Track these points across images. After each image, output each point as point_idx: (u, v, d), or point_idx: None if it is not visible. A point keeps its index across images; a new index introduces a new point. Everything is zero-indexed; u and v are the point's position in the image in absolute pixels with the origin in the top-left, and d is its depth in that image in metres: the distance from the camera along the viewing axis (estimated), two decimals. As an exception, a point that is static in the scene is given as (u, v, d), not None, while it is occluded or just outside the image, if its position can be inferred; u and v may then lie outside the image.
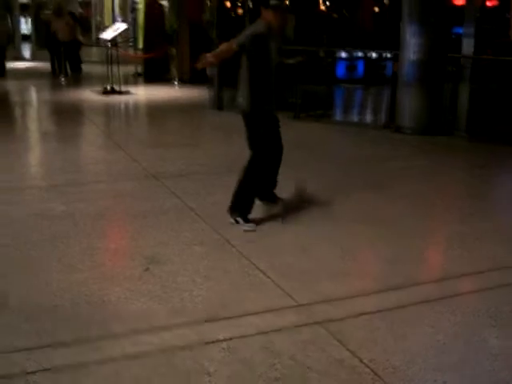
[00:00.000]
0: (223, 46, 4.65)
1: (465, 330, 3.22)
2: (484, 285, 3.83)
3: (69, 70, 16.16)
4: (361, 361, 2.89)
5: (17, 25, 24.82)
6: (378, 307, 3.44)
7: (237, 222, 4.70)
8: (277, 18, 4.59)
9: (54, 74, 16.83)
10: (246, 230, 4.61)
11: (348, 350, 2.98)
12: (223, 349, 2.96)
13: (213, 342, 3.02)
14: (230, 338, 3.06)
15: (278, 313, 3.34)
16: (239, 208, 4.74)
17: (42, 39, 18.39)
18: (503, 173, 7.38)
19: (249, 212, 4.75)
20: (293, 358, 2.90)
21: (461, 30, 9.05)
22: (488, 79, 10.12)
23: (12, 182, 6.06)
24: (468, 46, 8.65)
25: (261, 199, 5.03)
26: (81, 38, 16.71)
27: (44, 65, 17.09)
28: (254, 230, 4.63)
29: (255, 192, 4.84)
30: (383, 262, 4.17)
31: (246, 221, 4.70)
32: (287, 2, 4.79)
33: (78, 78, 15.88)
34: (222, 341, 3.03)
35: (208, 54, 4.65)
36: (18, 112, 11.97)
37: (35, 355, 2.88)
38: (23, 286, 3.62)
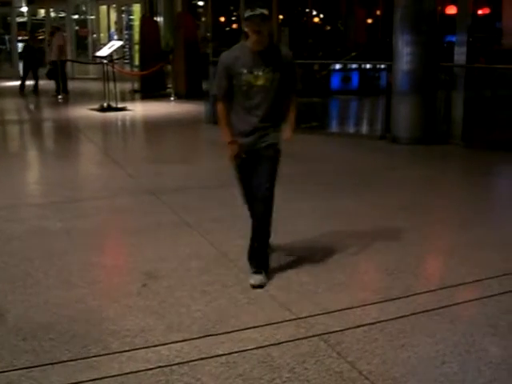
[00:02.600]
0: (219, 113, 4.07)
1: (465, 340, 3.20)
2: (483, 293, 3.81)
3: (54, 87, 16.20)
4: (360, 373, 2.87)
5: (14, 44, 24.99)
6: (377, 318, 3.42)
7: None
8: (251, 32, 3.86)
9: (23, 90, 17.02)
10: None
11: (347, 362, 2.96)
12: (222, 364, 2.95)
13: (211, 357, 3.00)
14: (229, 353, 3.04)
15: (277, 326, 3.32)
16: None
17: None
18: (501, 180, 7.40)
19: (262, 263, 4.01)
20: (292, 371, 2.88)
21: (453, 39, 9.10)
22: (481, 87, 10.16)
23: (10, 199, 6.06)
24: (460, 55, 8.69)
25: None
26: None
27: (41, 82, 17.13)
28: (260, 285, 3.86)
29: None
30: (382, 273, 4.16)
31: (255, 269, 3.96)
32: (265, 12, 3.82)
33: (67, 97, 15.83)
34: (220, 355, 3.01)
35: (228, 143, 4.07)
36: (15, 130, 11.99)
37: (33, 374, 2.86)
38: (21, 303, 3.61)
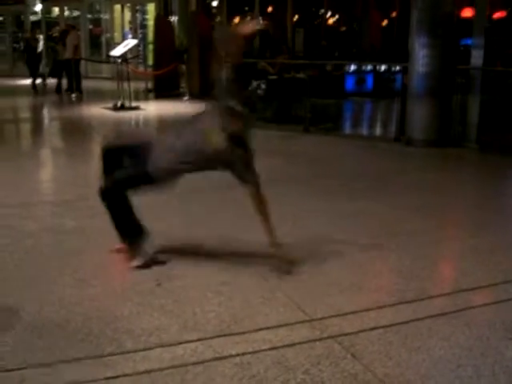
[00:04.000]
0: None
1: (480, 344, 3.18)
2: (498, 297, 3.79)
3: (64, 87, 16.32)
4: (375, 375, 2.86)
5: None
6: (392, 321, 3.40)
7: None
8: None
9: (35, 89, 17.07)
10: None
11: (362, 364, 2.95)
12: (236, 364, 2.94)
13: (225, 358, 3.00)
14: (243, 354, 3.03)
15: (291, 327, 3.32)
16: None
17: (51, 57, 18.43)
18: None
19: None
20: (306, 372, 2.87)
21: (469, 42, 9.06)
22: (498, 90, 10.10)
23: (24, 196, 6.08)
24: (477, 58, 8.65)
25: None
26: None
27: (55, 82, 17.21)
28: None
29: None
30: (396, 275, 4.14)
31: None
32: None
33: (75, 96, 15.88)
34: (234, 356, 3.01)
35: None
36: (29, 128, 12.06)
37: (47, 371, 2.87)
38: (36, 301, 3.62)
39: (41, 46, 19.03)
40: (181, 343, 3.13)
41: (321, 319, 3.41)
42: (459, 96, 8.94)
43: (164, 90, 16.05)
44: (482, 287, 3.95)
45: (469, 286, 3.94)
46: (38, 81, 17.61)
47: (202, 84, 15.27)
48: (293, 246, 4.58)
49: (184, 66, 16.17)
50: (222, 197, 6.02)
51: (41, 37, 19.73)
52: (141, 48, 21.25)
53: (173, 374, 2.86)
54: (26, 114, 14.11)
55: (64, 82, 16.50)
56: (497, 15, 15.80)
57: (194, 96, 15.08)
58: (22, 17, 25.86)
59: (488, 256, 4.49)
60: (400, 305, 3.63)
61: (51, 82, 17.51)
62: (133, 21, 22.92)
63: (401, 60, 9.81)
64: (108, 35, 23.56)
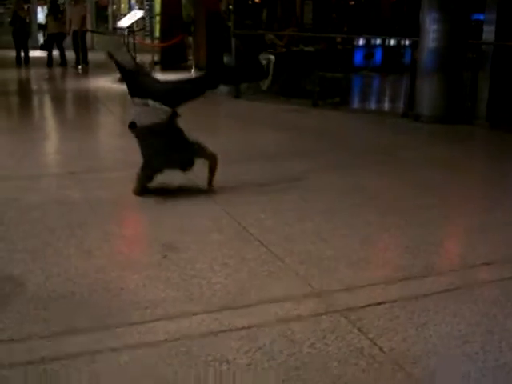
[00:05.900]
0: None
1: (487, 320, 3.16)
2: (506, 274, 3.76)
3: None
4: (381, 350, 2.85)
5: (33, 14, 24.87)
6: (399, 296, 3.39)
7: None
8: None
9: (19, 63, 16.55)
10: None
11: (368, 338, 2.94)
12: (242, 337, 2.93)
13: (231, 330, 2.99)
14: (249, 326, 3.02)
15: (298, 301, 3.30)
16: None
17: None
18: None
19: None
20: (312, 346, 2.87)
21: (481, 17, 8.93)
22: (508, 66, 9.97)
23: (30, 169, 6.07)
24: (489, 33, 8.52)
25: None
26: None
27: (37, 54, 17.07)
28: None
29: None
30: (403, 251, 4.11)
31: None
32: None
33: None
34: (240, 329, 3.00)
35: None
36: (35, 100, 12.02)
37: (53, 342, 2.86)
38: (41, 272, 3.62)
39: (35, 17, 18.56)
40: (187, 315, 3.12)
41: (327, 293, 3.40)
42: (470, 72, 8.83)
43: (171, 62, 15.94)
44: (490, 264, 3.92)
45: (476, 262, 3.92)
46: (23, 54, 16.99)
47: (209, 56, 15.14)
48: (298, 220, 4.57)
49: (191, 38, 16.04)
50: (229, 170, 6.00)
51: (37, 8, 19.39)
52: (147, 20, 21.07)
53: (178, 345, 2.85)
54: (30, 86, 14.03)
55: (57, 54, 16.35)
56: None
57: (201, 69, 14.96)
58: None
59: (496, 232, 4.45)
60: (407, 280, 3.61)
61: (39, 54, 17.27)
62: (140, -8, 22.72)
63: (411, 34, 9.68)
64: (114, 7, 23.35)
